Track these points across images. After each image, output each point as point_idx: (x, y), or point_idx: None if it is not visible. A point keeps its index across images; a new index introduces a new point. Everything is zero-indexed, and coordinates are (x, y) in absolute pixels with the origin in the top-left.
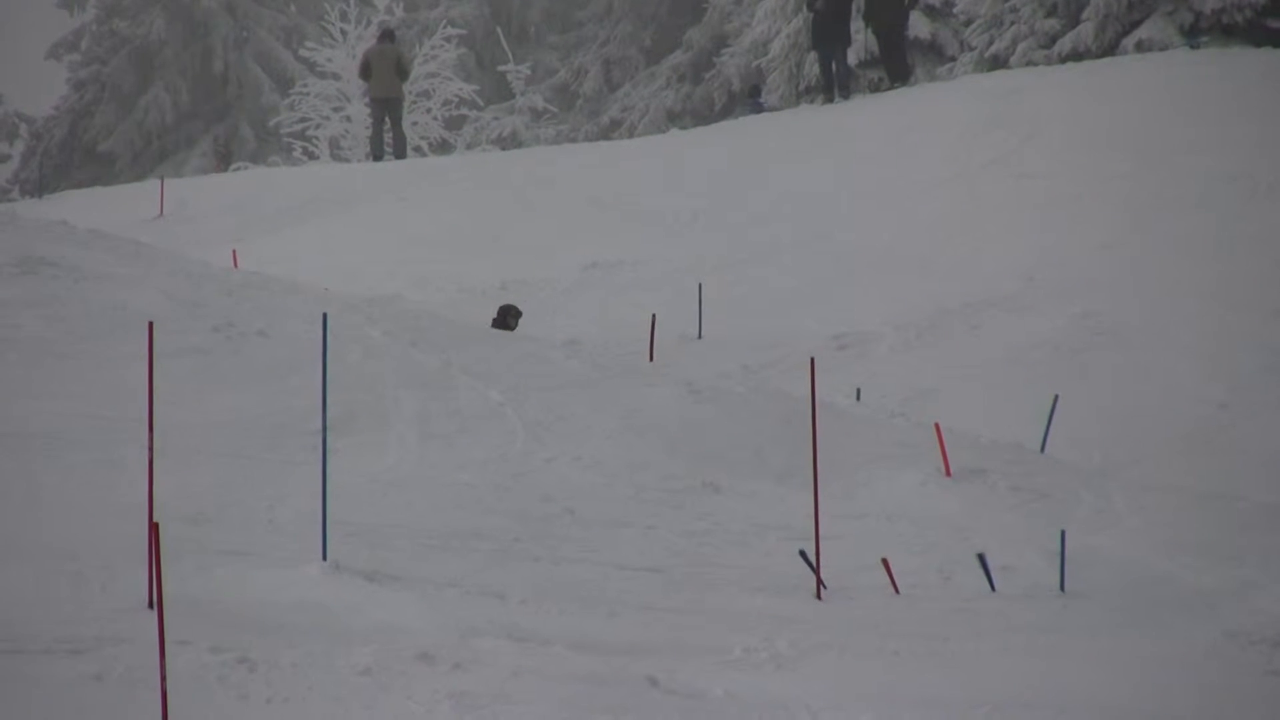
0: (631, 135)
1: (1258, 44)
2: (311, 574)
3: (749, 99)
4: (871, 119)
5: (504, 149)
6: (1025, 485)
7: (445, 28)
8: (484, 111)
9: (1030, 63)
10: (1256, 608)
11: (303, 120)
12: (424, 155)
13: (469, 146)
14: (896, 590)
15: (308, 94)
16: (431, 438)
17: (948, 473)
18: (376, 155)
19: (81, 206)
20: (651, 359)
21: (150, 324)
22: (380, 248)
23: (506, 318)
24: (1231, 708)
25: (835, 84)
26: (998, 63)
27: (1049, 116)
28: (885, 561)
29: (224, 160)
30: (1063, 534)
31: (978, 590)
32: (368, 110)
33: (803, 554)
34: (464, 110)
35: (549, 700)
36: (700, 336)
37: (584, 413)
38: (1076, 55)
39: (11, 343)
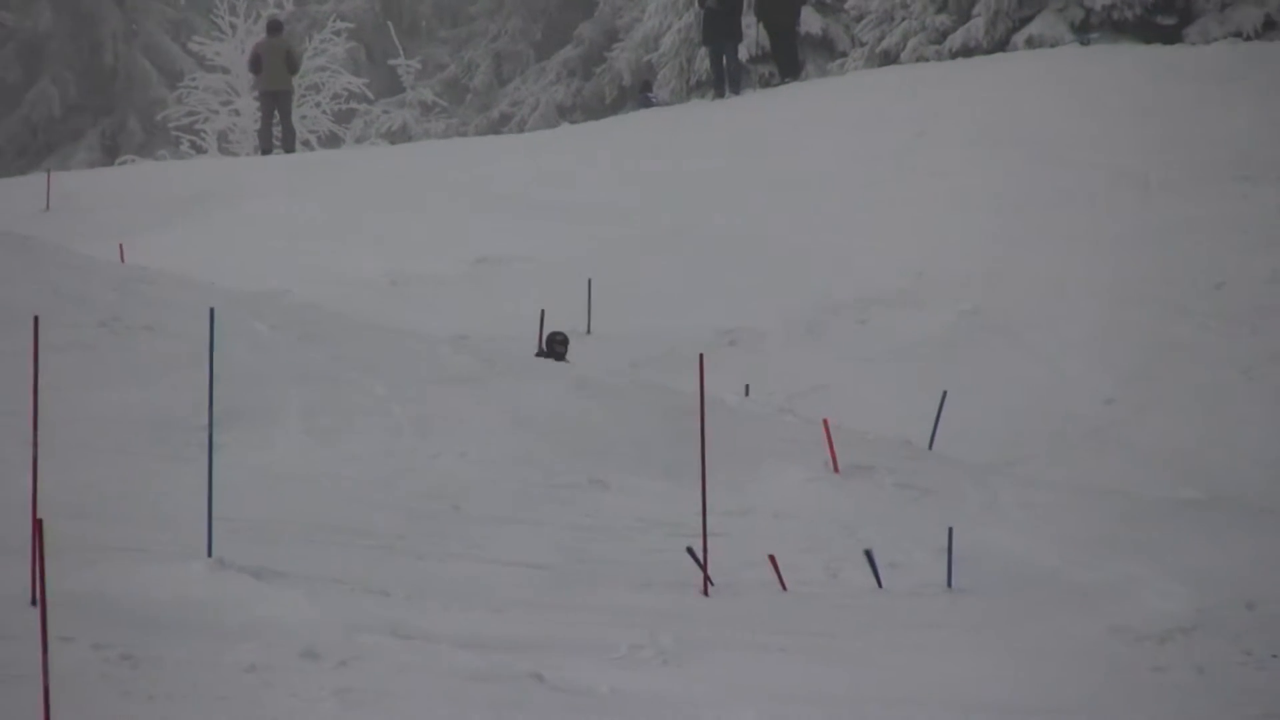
0: (522, 130)
1: (1147, 40)
2: (196, 570)
3: (641, 94)
4: (762, 114)
5: (394, 143)
6: (913, 482)
7: (335, 21)
8: (374, 105)
9: (921, 58)
10: (1142, 603)
11: (191, 114)
12: (313, 149)
13: (358, 140)
14: (784, 587)
15: (196, 87)
16: (318, 433)
17: (836, 469)
18: (265, 149)
19: None
20: (539, 354)
21: (35, 318)
22: (268, 242)
23: (554, 345)
24: (1117, 703)
25: (726, 79)
26: (889, 58)
27: (939, 112)
28: (772, 558)
29: (111, 154)
30: (950, 530)
31: (865, 587)
32: (256, 104)
33: (690, 550)
34: (353, 104)
35: (434, 697)
36: (589, 332)
37: (470, 408)
38: (967, 51)
39: None
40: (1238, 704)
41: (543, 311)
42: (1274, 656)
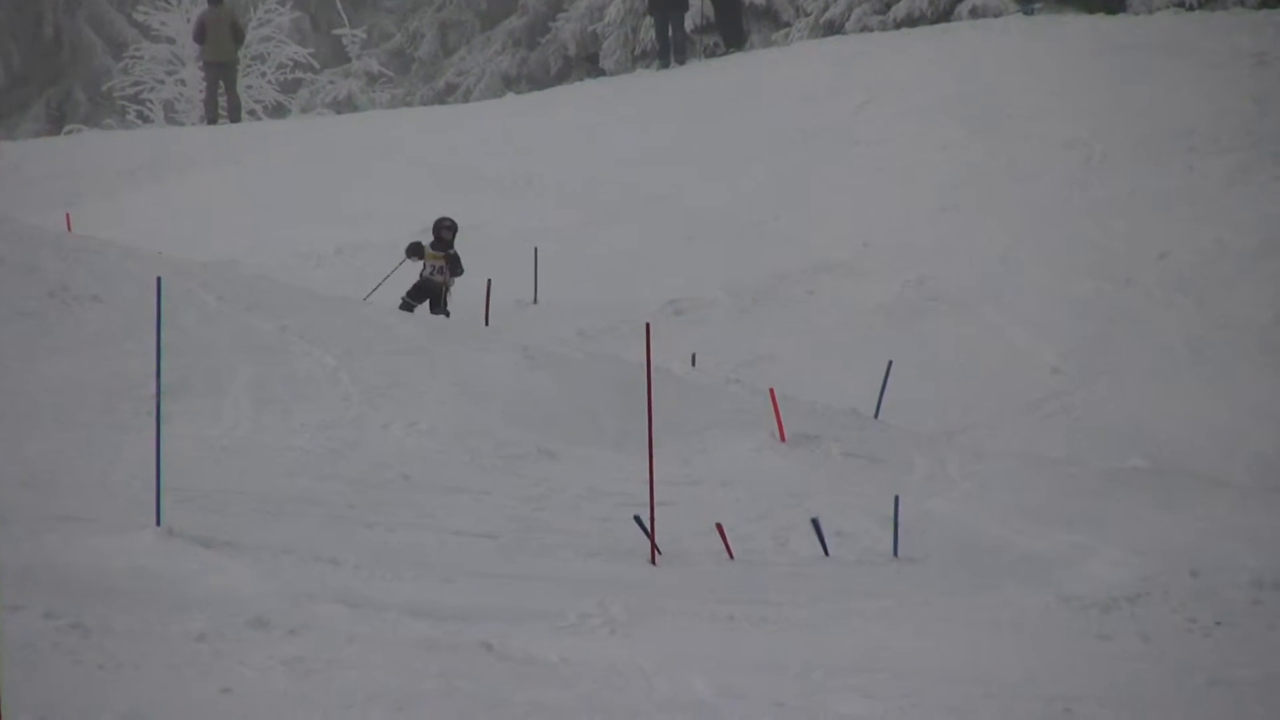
0: (467, 100)
1: (1091, 10)
2: (146, 540)
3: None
4: (707, 84)
5: (339, 113)
6: (860, 451)
7: None
8: (319, 75)
9: (866, 28)
10: (1088, 572)
11: (136, 84)
12: (259, 119)
13: (304, 110)
14: (731, 555)
15: (142, 57)
16: (266, 403)
17: (783, 438)
18: (211, 119)
19: None
20: (487, 324)
21: None
22: (215, 212)
23: (441, 231)
24: (1064, 671)
25: (671, 49)
26: (833, 28)
27: (884, 83)
28: (720, 527)
29: (57, 124)
30: (896, 499)
31: (812, 555)
32: (202, 74)
33: (638, 519)
34: (299, 74)
35: (383, 666)
36: (536, 301)
37: (419, 378)
38: (911, 21)
39: None
40: (1182, 671)
41: (489, 281)
42: (1218, 624)
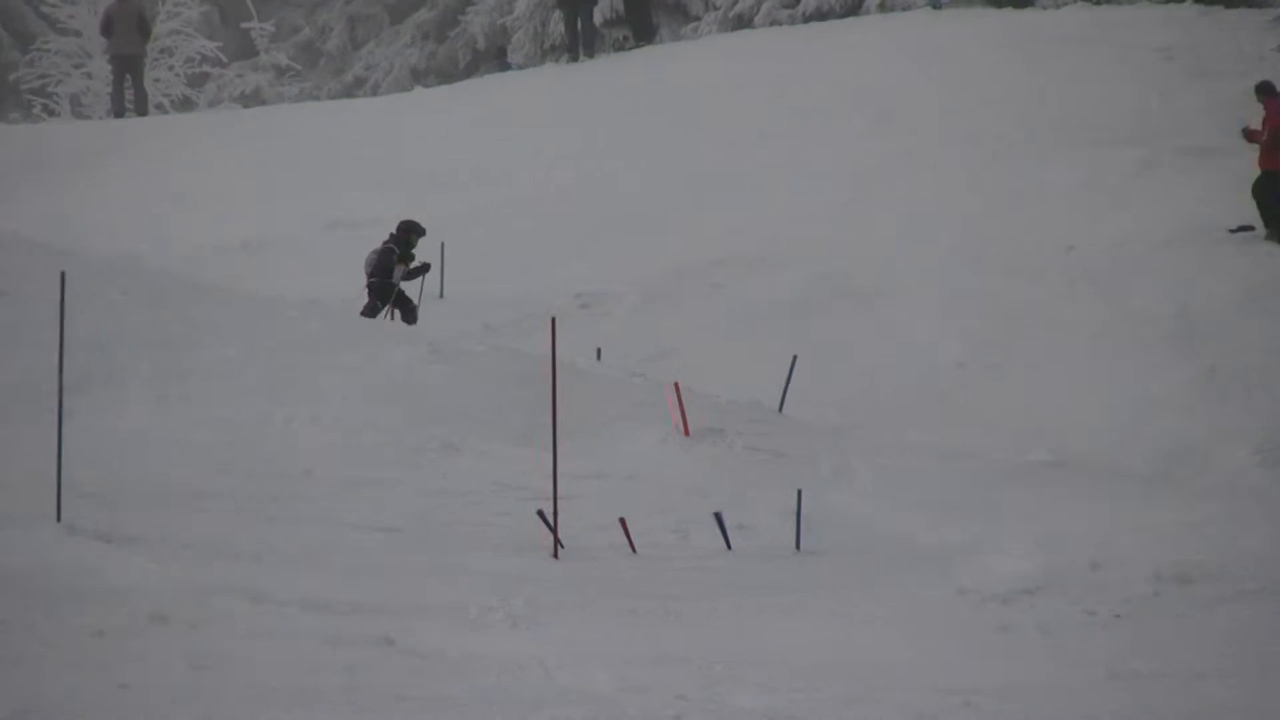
0: (376, 93)
1: (999, 5)
2: (46, 535)
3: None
4: (616, 78)
5: (247, 106)
6: (763, 445)
7: None
8: (227, 69)
9: (775, 22)
10: (988, 565)
11: (43, 77)
12: (166, 113)
13: (212, 104)
14: (634, 549)
15: (49, 50)
16: (169, 398)
17: (686, 432)
18: (118, 112)
19: None
20: (392, 318)
21: None
22: (120, 206)
23: (409, 234)
24: (964, 664)
25: (580, 43)
26: (742, 22)
27: (793, 76)
28: (622, 521)
29: None
30: (799, 493)
31: (714, 549)
32: (109, 67)
33: (540, 514)
34: (207, 68)
35: (285, 661)
36: (442, 295)
37: (322, 373)
38: (820, 15)
39: None
40: (1081, 664)
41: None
42: (1117, 617)
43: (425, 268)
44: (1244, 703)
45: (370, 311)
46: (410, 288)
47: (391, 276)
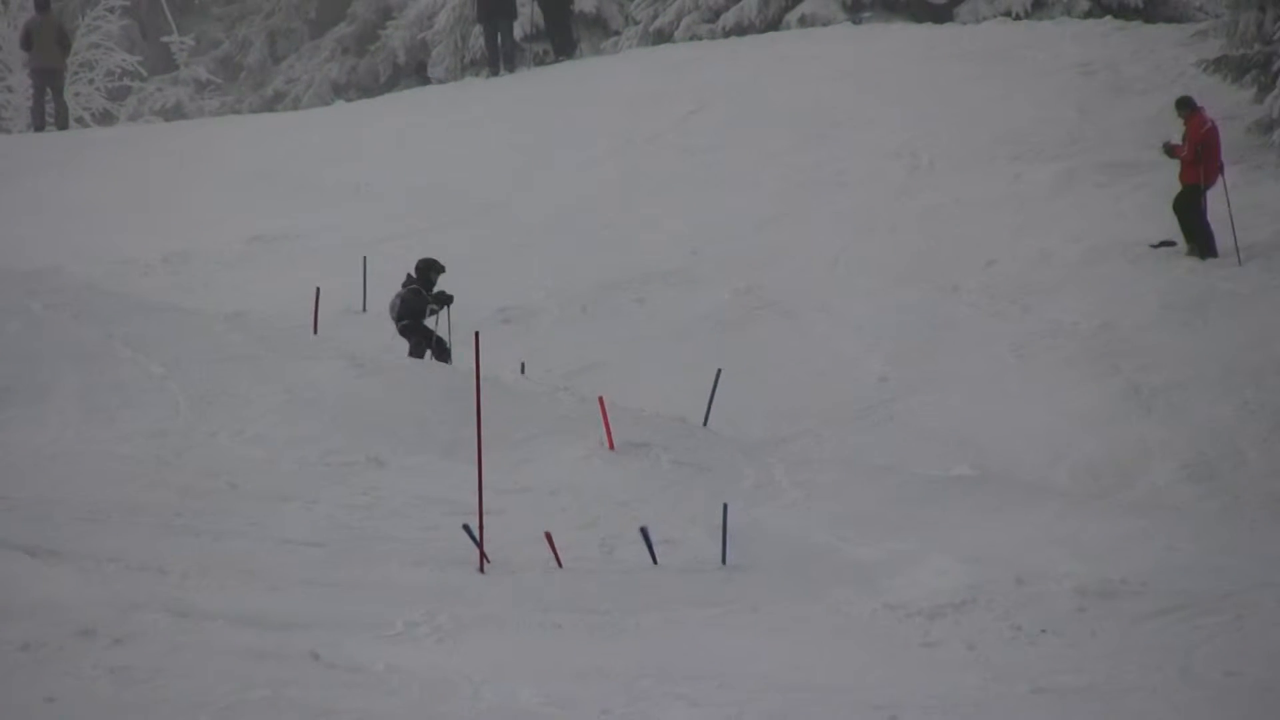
0: (296, 108)
1: (919, 19)
2: None
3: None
4: (537, 92)
5: (168, 120)
6: (688, 459)
7: None
8: (147, 83)
9: (695, 36)
10: (915, 580)
11: None
12: (87, 126)
13: (132, 118)
14: (559, 563)
15: None
16: (93, 411)
17: (611, 447)
18: (38, 126)
19: None
20: (316, 332)
21: None
22: (43, 220)
23: (428, 274)
24: (890, 678)
25: (501, 57)
26: (662, 36)
27: (713, 91)
28: (548, 535)
29: None
30: (725, 507)
31: (640, 563)
32: (29, 81)
33: (466, 528)
34: (127, 81)
35: (210, 675)
36: (365, 310)
37: (247, 387)
38: (741, 30)
39: None
40: (1006, 678)
41: (318, 290)
42: (1042, 632)
43: (447, 300)
44: (1166, 717)
45: (418, 352)
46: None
47: (423, 318)
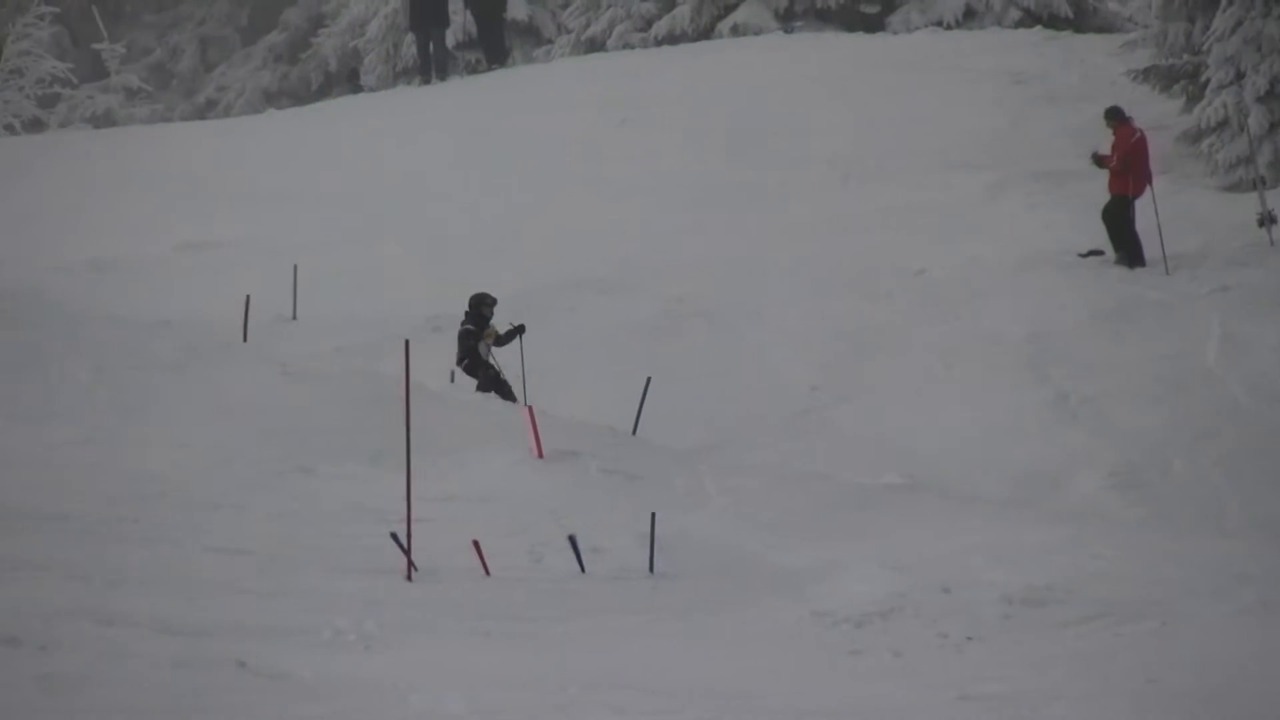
0: (228, 115)
1: (851, 29)
2: None
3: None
4: (469, 100)
5: (98, 128)
6: (617, 467)
7: (39, 5)
8: (78, 90)
9: (627, 45)
10: (841, 588)
11: None
12: (16, 133)
13: (63, 125)
14: (487, 572)
15: None
16: (20, 419)
17: (540, 455)
18: None
19: None
20: (245, 340)
21: None
22: None
23: (481, 308)
24: (816, 686)
25: (433, 65)
26: (595, 45)
27: (645, 99)
28: (476, 543)
29: None
30: (653, 516)
31: (568, 572)
32: None
33: (394, 536)
34: (57, 88)
35: (136, 682)
36: (295, 317)
37: (175, 394)
38: (673, 39)
39: None
40: (933, 686)
41: (248, 297)
42: (969, 639)
43: (518, 330)
44: None
45: (484, 388)
46: (508, 352)
47: (482, 355)
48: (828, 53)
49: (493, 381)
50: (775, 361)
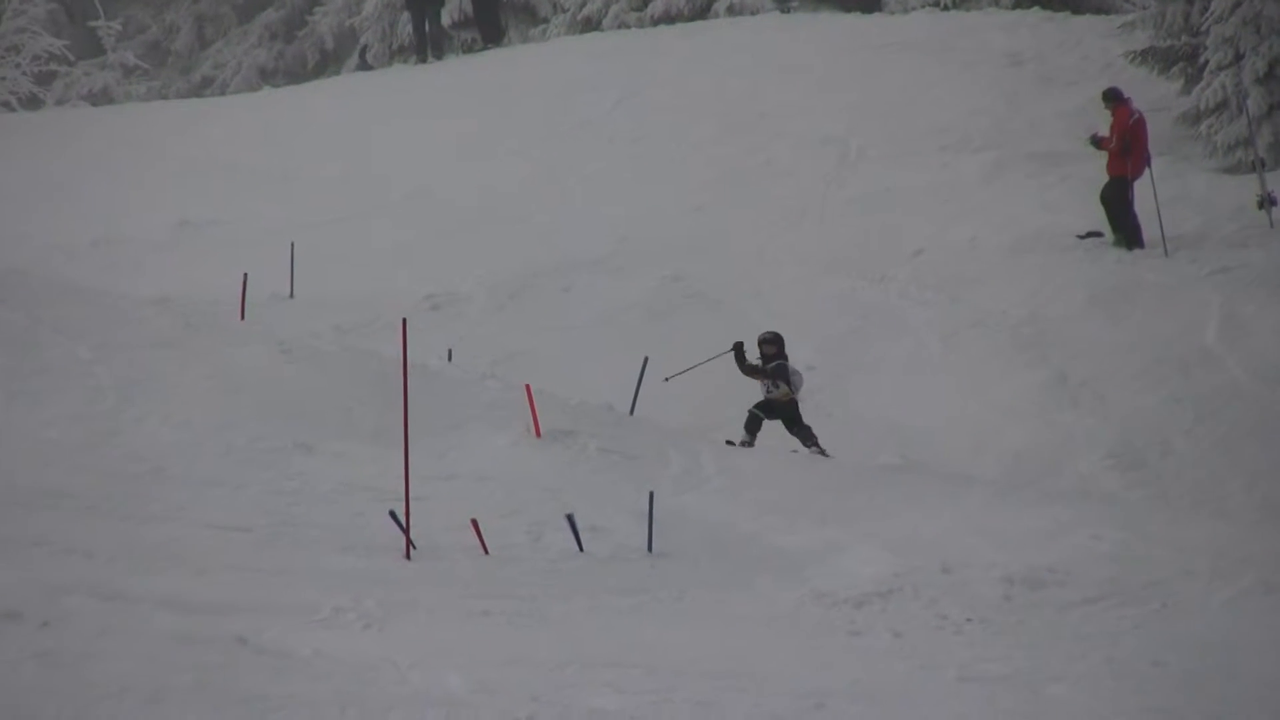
0: (224, 93)
1: (847, 9)
2: None
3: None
4: (465, 80)
5: (95, 105)
6: (615, 446)
7: None
8: (74, 67)
9: (623, 25)
10: (841, 568)
11: None
12: (13, 111)
13: (59, 103)
14: (485, 550)
15: None
16: (18, 395)
17: (538, 434)
18: None
19: None
20: (243, 318)
21: None
22: None
23: (764, 347)
24: (816, 666)
25: (429, 44)
26: (590, 24)
27: (642, 79)
28: (474, 522)
29: None
30: (651, 495)
31: (566, 550)
32: None
33: (393, 514)
34: (54, 66)
35: (137, 659)
36: (293, 296)
37: (174, 372)
38: (669, 18)
39: None
40: (932, 666)
41: (245, 275)
42: (968, 620)
43: (786, 379)
44: (1092, 706)
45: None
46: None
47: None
48: (824, 33)
49: (768, 404)
50: None
